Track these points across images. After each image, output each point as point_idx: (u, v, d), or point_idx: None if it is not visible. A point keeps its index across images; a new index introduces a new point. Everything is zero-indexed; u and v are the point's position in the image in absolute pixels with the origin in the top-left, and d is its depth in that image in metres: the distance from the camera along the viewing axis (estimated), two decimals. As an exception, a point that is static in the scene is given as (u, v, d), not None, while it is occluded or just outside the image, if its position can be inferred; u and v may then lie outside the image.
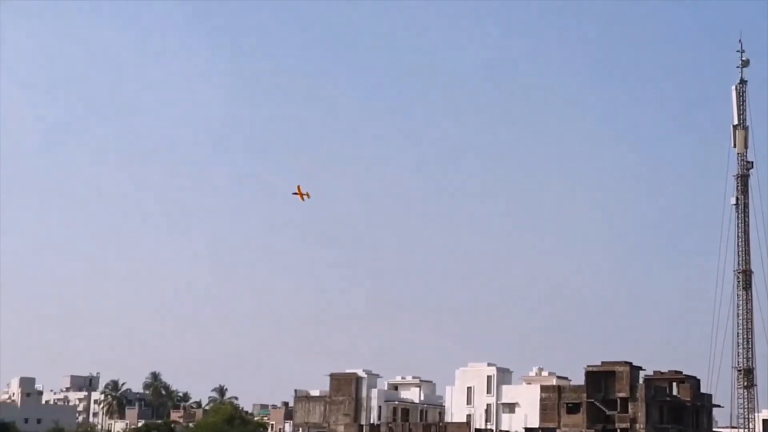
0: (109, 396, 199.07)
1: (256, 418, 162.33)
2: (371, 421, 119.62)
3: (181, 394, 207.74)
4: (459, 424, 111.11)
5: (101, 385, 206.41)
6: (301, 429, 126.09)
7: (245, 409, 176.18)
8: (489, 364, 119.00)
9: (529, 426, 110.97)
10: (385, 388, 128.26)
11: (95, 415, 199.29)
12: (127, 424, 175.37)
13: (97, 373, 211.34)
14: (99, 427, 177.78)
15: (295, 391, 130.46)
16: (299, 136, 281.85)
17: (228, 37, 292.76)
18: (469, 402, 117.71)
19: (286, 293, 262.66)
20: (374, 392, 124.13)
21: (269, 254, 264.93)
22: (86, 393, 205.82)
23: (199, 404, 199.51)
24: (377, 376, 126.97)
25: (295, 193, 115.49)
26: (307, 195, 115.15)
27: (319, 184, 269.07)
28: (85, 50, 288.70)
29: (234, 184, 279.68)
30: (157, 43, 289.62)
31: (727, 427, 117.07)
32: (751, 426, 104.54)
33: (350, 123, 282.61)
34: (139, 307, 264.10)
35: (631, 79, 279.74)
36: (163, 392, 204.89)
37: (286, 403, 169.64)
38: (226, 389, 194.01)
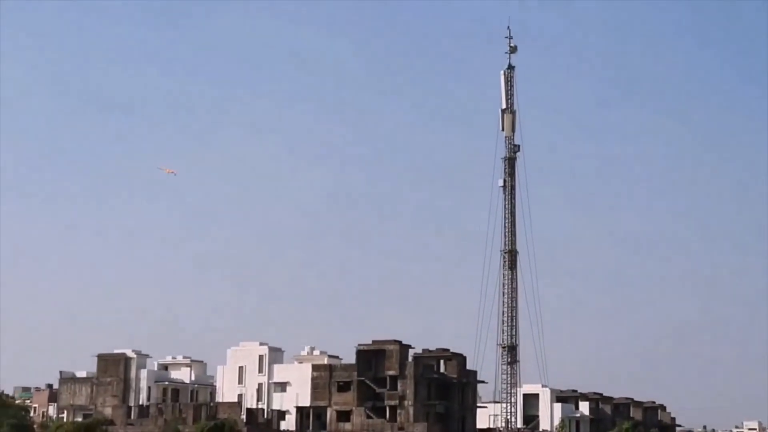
0: None
1: (17, 402, 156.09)
2: (140, 403, 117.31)
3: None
4: (230, 404, 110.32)
5: None
6: (66, 412, 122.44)
7: (5, 392, 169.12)
8: (261, 344, 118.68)
9: (300, 405, 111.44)
10: (155, 368, 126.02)
11: None
12: None
13: None
14: None
15: (60, 372, 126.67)
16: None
17: None
18: (240, 381, 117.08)
19: (45, 267, 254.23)
20: (143, 373, 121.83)
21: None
22: None
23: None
24: (147, 356, 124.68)
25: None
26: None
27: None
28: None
29: None
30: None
31: (491, 402, 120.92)
32: (513, 400, 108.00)
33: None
34: None
35: (402, 67, 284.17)
36: None
37: (50, 386, 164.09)
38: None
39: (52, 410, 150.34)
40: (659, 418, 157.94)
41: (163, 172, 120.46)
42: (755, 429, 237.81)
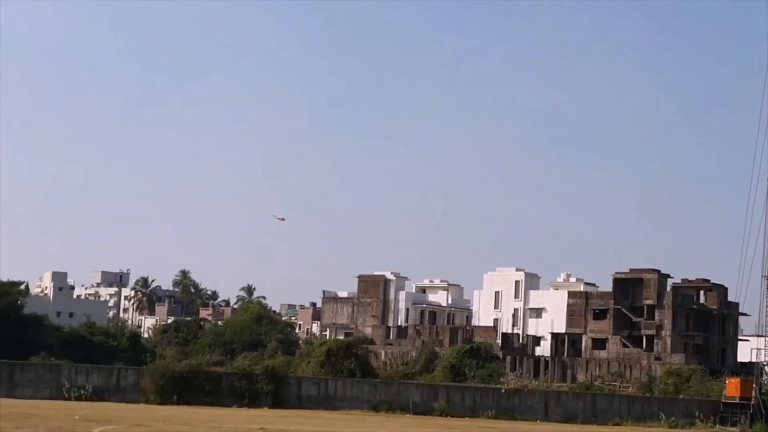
0: (139, 292, 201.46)
1: (284, 318, 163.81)
2: (398, 323, 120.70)
3: (209, 293, 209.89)
4: (486, 328, 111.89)
5: (131, 282, 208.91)
6: (328, 329, 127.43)
7: (273, 308, 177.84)
8: (517, 269, 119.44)
9: (555, 331, 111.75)
10: (413, 291, 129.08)
11: (125, 311, 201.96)
12: (156, 320, 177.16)
13: (128, 269, 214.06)
14: (129, 322, 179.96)
15: (323, 292, 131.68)
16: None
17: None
18: (496, 306, 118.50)
19: (315, 194, 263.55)
20: (402, 295, 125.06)
21: (301, 149, 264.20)
22: (117, 289, 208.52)
23: (227, 303, 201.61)
24: (405, 278, 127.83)
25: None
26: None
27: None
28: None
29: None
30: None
31: (753, 335, 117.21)
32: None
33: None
34: (169, 204, 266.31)
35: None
36: (192, 290, 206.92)
37: (314, 304, 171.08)
38: (254, 288, 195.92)
39: (315, 328, 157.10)
40: None
41: (275, 219, 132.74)
42: None
